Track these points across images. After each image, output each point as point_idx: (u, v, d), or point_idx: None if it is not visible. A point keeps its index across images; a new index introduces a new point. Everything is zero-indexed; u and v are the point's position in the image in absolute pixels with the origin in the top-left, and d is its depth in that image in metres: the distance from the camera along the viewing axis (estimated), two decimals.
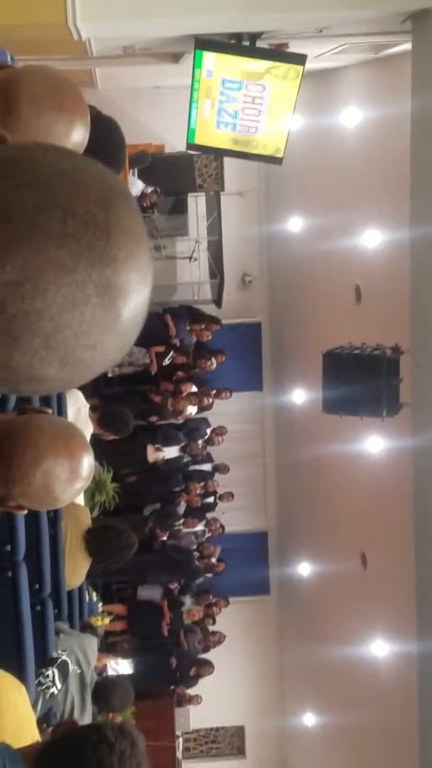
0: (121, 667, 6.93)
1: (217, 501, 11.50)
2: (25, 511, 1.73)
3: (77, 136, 1.47)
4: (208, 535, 11.32)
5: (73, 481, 1.67)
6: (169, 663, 10.21)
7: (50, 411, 1.80)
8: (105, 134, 2.41)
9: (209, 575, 11.19)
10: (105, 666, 6.65)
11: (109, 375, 10.24)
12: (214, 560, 11.16)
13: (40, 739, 1.88)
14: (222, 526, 11.33)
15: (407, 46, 6.05)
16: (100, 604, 7.74)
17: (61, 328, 0.76)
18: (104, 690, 4.70)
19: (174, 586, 10.61)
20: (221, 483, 11.44)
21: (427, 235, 5.60)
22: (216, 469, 11.42)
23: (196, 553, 11.01)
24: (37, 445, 1.63)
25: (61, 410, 4.92)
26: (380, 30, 6.27)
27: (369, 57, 7.90)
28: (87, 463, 1.71)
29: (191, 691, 10.96)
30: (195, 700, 10.96)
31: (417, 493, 6.45)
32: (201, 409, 11.02)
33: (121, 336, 0.81)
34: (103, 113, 2.26)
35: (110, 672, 6.76)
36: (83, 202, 0.77)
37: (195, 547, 11.08)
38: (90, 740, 1.56)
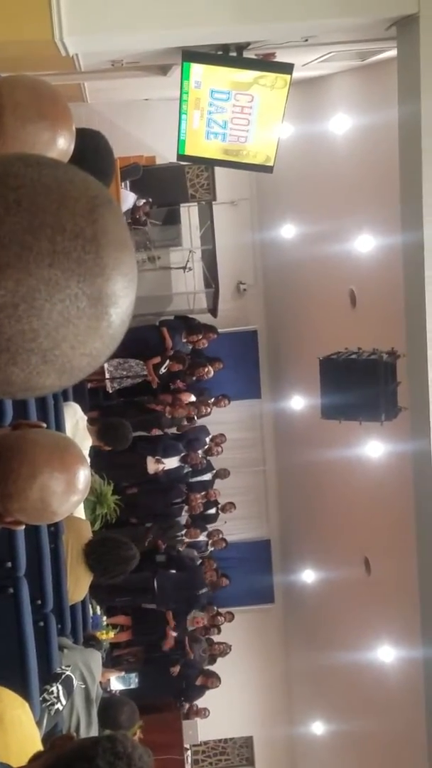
0: (119, 683, 6.88)
1: (219, 512, 11.49)
2: (23, 527, 1.72)
3: (62, 144, 1.47)
4: (210, 549, 11.30)
5: (69, 495, 1.67)
6: (174, 672, 10.16)
7: (45, 425, 1.80)
8: (92, 147, 2.42)
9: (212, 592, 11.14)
10: (109, 681, 6.61)
11: (109, 390, 10.25)
12: (216, 577, 11.13)
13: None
14: (225, 540, 11.31)
15: (393, 53, 6.07)
16: (105, 618, 7.71)
17: (57, 343, 0.78)
18: (111, 708, 4.67)
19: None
20: (222, 492, 11.44)
21: (418, 240, 5.62)
22: (216, 475, 11.42)
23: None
24: (33, 460, 1.63)
25: (59, 423, 4.92)
26: (366, 37, 6.30)
27: (356, 64, 7.93)
28: (83, 475, 1.70)
29: (199, 704, 10.91)
30: (203, 713, 10.91)
31: (418, 496, 6.44)
32: (199, 416, 11.01)
33: (112, 339, 0.83)
34: (88, 128, 2.27)
35: (113, 688, 6.71)
36: (70, 217, 0.77)
37: (200, 562, 11.06)
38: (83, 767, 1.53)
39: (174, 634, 10.22)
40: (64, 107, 1.49)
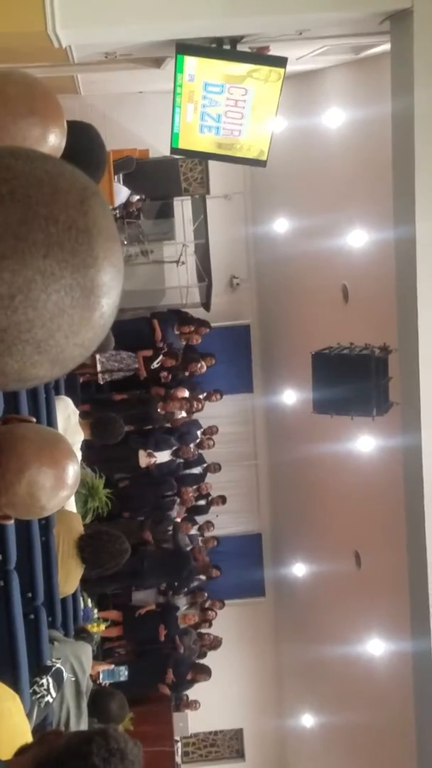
0: (108, 676, 6.90)
1: (210, 504, 11.52)
2: (12, 521, 1.73)
3: (53, 140, 1.47)
4: (200, 543, 11.33)
5: (58, 490, 1.67)
6: (164, 668, 10.18)
7: (34, 420, 1.80)
8: (85, 141, 2.41)
9: (203, 578, 11.18)
10: (99, 674, 6.63)
11: (101, 382, 10.25)
12: (207, 560, 11.18)
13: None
14: (216, 539, 11.36)
15: (387, 47, 6.07)
16: (96, 611, 7.72)
17: (52, 333, 0.79)
18: (101, 699, 4.68)
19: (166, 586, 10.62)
20: (214, 485, 11.47)
21: (410, 235, 5.62)
22: (207, 469, 11.44)
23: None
24: (22, 455, 1.63)
25: (51, 417, 4.92)
26: (359, 31, 6.29)
27: (350, 58, 7.93)
28: (72, 470, 1.71)
29: (189, 696, 10.95)
30: (193, 705, 10.94)
31: (408, 490, 6.46)
32: (190, 411, 11.03)
33: (102, 328, 0.84)
34: (80, 121, 2.26)
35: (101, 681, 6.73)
36: (63, 208, 0.78)
37: (190, 548, 11.10)
38: (79, 765, 1.53)
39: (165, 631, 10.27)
40: (56, 104, 1.49)
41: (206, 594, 11.22)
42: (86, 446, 6.20)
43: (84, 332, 0.81)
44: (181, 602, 11.01)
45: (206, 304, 11.32)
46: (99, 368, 9.96)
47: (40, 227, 0.77)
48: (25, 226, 0.77)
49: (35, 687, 3.60)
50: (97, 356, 9.69)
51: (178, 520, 10.95)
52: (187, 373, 11.01)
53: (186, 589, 10.94)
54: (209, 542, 11.31)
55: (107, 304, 0.82)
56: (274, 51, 6.51)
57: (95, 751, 1.52)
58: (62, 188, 0.80)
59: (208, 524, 11.34)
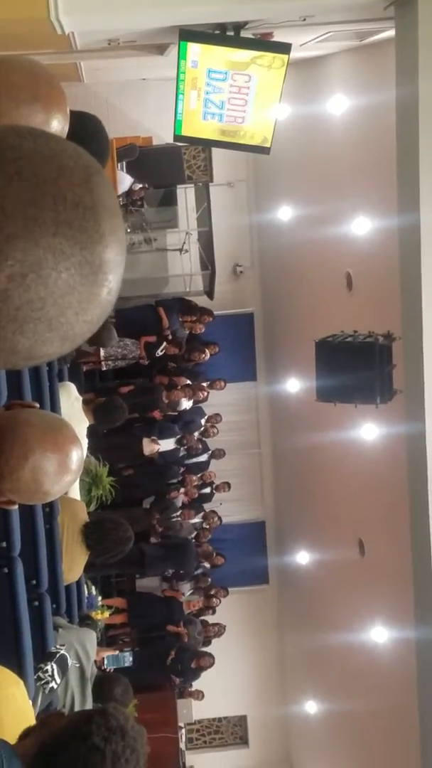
0: (112, 662, 6.93)
1: (214, 491, 11.54)
2: (16, 506, 1.73)
3: (56, 126, 1.47)
4: (206, 526, 11.36)
5: (62, 475, 1.67)
6: (168, 656, 10.22)
7: (37, 405, 1.80)
8: (91, 131, 2.41)
9: (207, 566, 11.21)
10: (103, 660, 6.67)
11: (104, 368, 10.25)
12: (210, 548, 11.21)
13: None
14: (219, 519, 11.36)
15: (391, 33, 6.03)
16: (100, 598, 7.75)
17: (63, 311, 0.80)
18: (106, 685, 4.71)
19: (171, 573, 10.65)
20: (218, 473, 11.48)
21: (414, 222, 5.60)
22: (212, 455, 11.46)
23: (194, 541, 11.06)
24: (25, 440, 1.63)
25: (55, 404, 4.93)
26: (363, 17, 6.25)
27: (354, 44, 7.88)
28: (76, 456, 1.71)
29: (194, 685, 10.99)
30: (197, 695, 10.99)
31: (411, 478, 6.47)
32: (196, 401, 11.04)
33: (109, 305, 0.86)
34: (83, 111, 2.26)
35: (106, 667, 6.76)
36: (69, 186, 0.79)
37: (194, 535, 11.13)
38: (80, 745, 1.53)
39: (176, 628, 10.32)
40: (60, 91, 1.49)
41: (210, 580, 11.26)
42: (90, 434, 6.21)
43: (93, 309, 0.83)
44: (185, 588, 11.04)
45: (209, 292, 11.30)
46: (102, 354, 9.96)
47: (48, 206, 0.78)
48: (34, 205, 0.77)
49: (39, 673, 3.62)
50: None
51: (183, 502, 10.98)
52: (191, 362, 11.01)
53: (190, 576, 10.97)
54: (213, 524, 11.31)
55: (114, 280, 0.84)
56: (278, 37, 6.47)
57: (95, 731, 1.52)
58: (67, 166, 0.81)
59: (213, 513, 11.35)
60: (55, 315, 0.80)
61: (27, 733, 1.63)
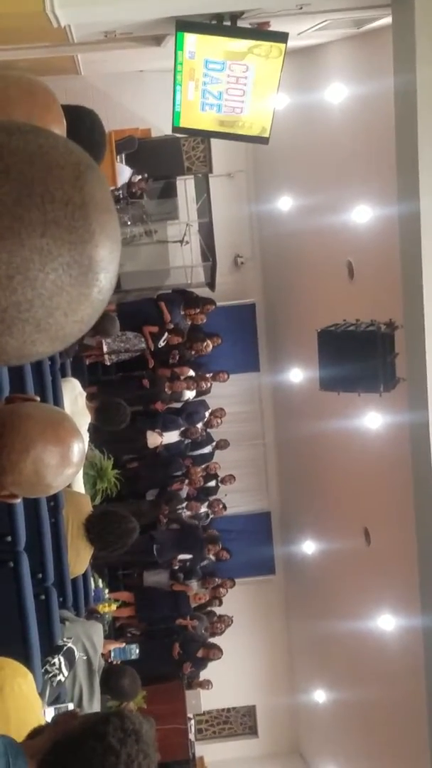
0: (119, 654, 6.96)
1: (219, 484, 11.55)
2: (19, 500, 1.74)
3: None
4: (211, 516, 11.38)
5: (64, 467, 1.68)
6: (173, 650, 10.24)
7: (38, 398, 1.80)
8: (88, 126, 2.41)
9: (213, 558, 11.22)
10: (110, 652, 6.69)
11: (107, 363, 10.25)
12: (216, 533, 11.24)
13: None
14: (224, 506, 11.39)
15: (389, 20, 6.00)
16: (107, 591, 7.77)
17: (51, 312, 0.79)
18: (113, 677, 4.73)
19: (178, 562, 10.67)
20: (222, 465, 11.50)
21: (415, 210, 5.59)
22: (216, 446, 11.47)
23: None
24: (27, 433, 1.64)
25: (57, 400, 4.94)
26: (360, 5, 6.22)
27: (351, 32, 7.84)
28: (77, 448, 1.72)
29: (202, 676, 11.02)
30: (206, 684, 11.02)
31: (416, 466, 6.47)
32: (199, 393, 11.04)
33: (101, 304, 0.84)
34: (79, 105, 2.26)
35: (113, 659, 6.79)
36: (59, 185, 0.78)
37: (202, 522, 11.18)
38: (95, 745, 1.54)
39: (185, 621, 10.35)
40: (56, 115, 1.49)
41: (217, 580, 11.28)
42: (94, 428, 6.22)
43: (83, 309, 0.81)
44: (193, 584, 11.06)
45: (211, 284, 11.28)
46: (105, 349, 9.96)
47: (35, 205, 0.76)
48: (21, 204, 0.76)
49: (47, 666, 3.64)
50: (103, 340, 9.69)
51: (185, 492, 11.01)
52: (193, 353, 11.00)
53: (200, 564, 10.97)
54: (219, 512, 11.33)
55: (105, 279, 0.82)
56: (275, 26, 6.45)
57: (111, 732, 1.53)
58: (57, 163, 0.79)
59: (217, 502, 11.37)
60: (43, 316, 0.78)
61: (37, 732, 1.64)
